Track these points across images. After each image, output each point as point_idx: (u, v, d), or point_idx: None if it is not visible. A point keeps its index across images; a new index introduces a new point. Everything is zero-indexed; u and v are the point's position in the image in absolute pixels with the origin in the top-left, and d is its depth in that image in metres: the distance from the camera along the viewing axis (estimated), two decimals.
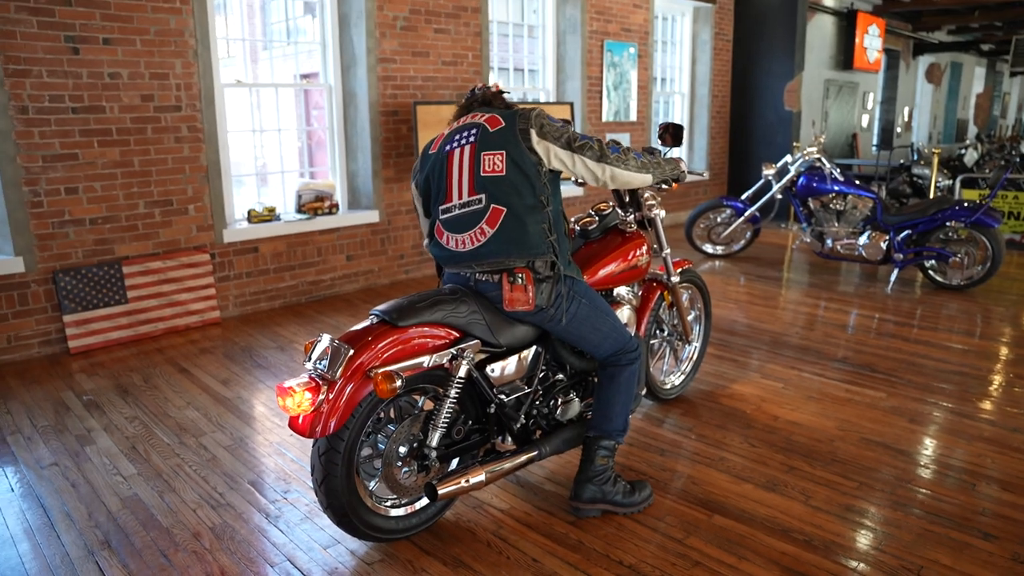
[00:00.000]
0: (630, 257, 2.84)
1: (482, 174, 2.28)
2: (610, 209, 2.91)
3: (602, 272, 2.75)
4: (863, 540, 2.38)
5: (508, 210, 2.25)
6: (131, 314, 4.51)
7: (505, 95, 2.53)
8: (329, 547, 2.38)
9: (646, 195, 2.95)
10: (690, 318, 3.63)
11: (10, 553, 2.37)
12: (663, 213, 3.07)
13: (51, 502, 2.68)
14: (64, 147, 4.19)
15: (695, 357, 3.62)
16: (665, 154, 2.83)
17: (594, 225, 2.87)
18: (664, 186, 2.81)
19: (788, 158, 6.44)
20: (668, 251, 3.16)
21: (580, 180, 2.43)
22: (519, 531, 2.45)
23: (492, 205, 2.27)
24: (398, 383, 2.04)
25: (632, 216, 2.96)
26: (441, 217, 2.38)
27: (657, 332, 3.41)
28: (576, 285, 2.42)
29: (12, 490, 2.78)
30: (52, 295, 4.27)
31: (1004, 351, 4.26)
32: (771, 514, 2.53)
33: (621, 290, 2.92)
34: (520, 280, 2.28)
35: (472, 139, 2.33)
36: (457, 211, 2.33)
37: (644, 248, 2.90)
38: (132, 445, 3.13)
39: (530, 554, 2.32)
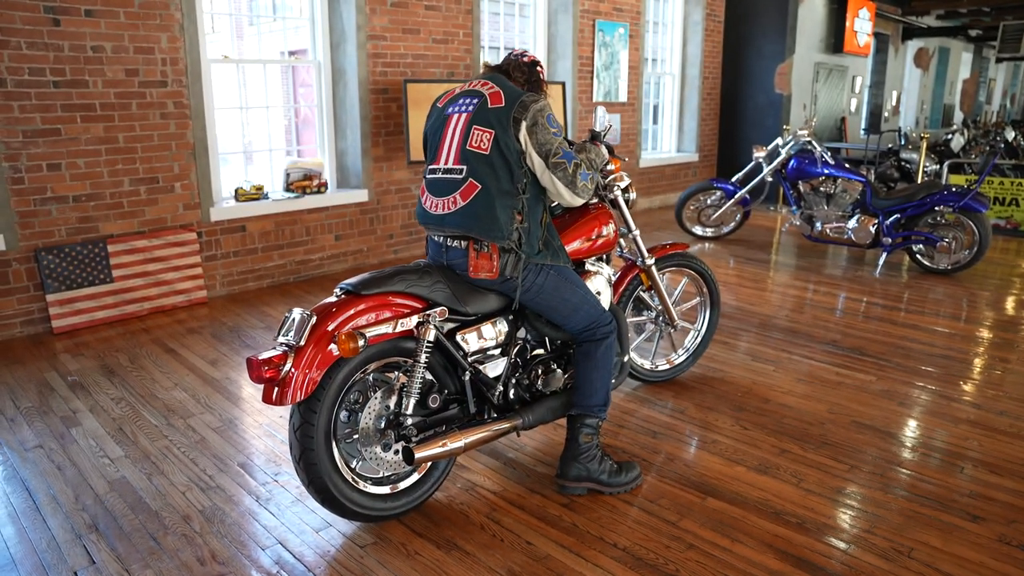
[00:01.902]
0: (593, 231, 2.81)
1: (468, 147, 2.33)
2: None
3: (568, 248, 2.73)
4: (855, 522, 2.40)
5: (483, 187, 2.30)
6: (116, 293, 4.43)
7: (539, 68, 2.54)
8: (321, 530, 2.37)
9: (612, 176, 2.92)
10: (693, 303, 3.60)
11: None
12: (633, 195, 3.03)
13: (36, 485, 2.63)
14: (45, 122, 4.09)
15: (696, 344, 3.59)
16: (603, 135, 2.85)
17: (555, 202, 2.85)
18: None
19: (779, 141, 6.43)
20: (636, 232, 3.11)
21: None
22: (512, 513, 2.45)
23: (470, 179, 2.32)
24: (361, 342, 2.10)
25: (600, 193, 2.94)
26: (427, 177, 2.48)
27: (645, 313, 3.40)
28: (545, 265, 2.43)
29: None
30: (34, 274, 4.18)
31: (989, 335, 4.30)
32: (764, 497, 2.54)
33: (594, 263, 2.89)
34: (486, 248, 2.33)
35: (470, 108, 2.37)
36: (440, 175, 2.41)
37: (610, 221, 2.87)
38: (119, 427, 3.09)
39: (524, 536, 2.32)
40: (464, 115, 2.37)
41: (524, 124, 2.29)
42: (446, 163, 2.38)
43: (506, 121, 2.29)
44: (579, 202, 2.45)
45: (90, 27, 4.15)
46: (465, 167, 2.33)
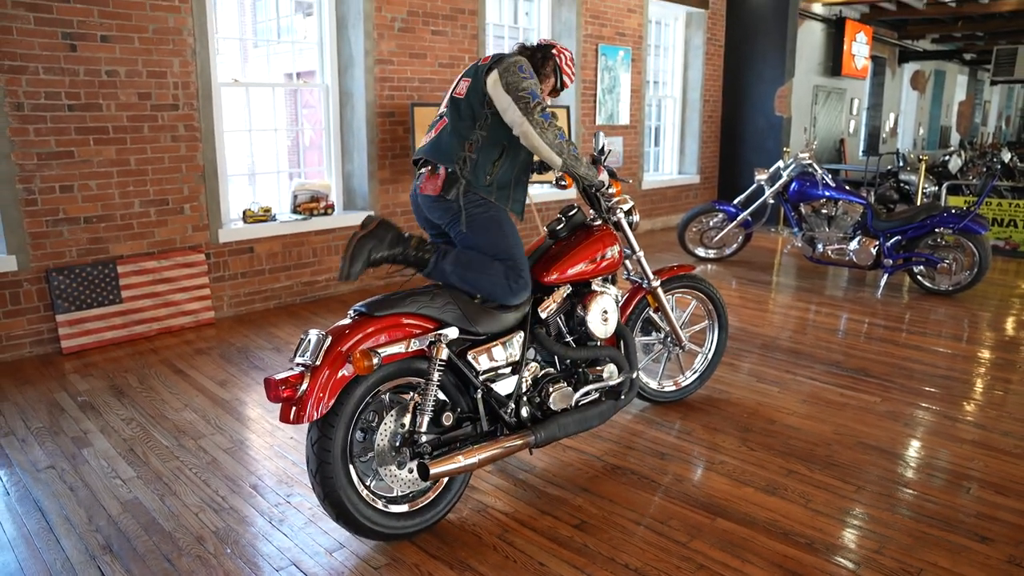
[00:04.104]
0: (598, 252, 2.87)
1: (454, 95, 2.68)
2: (576, 209, 2.97)
3: (571, 270, 2.79)
4: (863, 543, 2.42)
5: (448, 122, 2.62)
6: (125, 314, 4.47)
7: (555, 51, 2.81)
8: (334, 551, 2.38)
9: (616, 199, 3.02)
10: (702, 326, 3.64)
11: (8, 558, 2.35)
12: (636, 218, 3.09)
13: (49, 506, 2.65)
14: (60, 145, 4.15)
15: (704, 366, 3.62)
16: (604, 159, 3.03)
17: (561, 225, 2.93)
18: (592, 189, 2.95)
19: (780, 163, 6.50)
20: (640, 253, 3.17)
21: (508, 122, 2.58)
22: (524, 534, 2.47)
23: (443, 117, 2.66)
24: (375, 360, 2.16)
25: (604, 216, 3.02)
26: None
27: (653, 334, 3.44)
28: (488, 202, 2.59)
29: (8, 493, 2.74)
30: (45, 294, 4.22)
31: (991, 355, 4.33)
32: (772, 517, 2.56)
33: (601, 284, 2.94)
34: (438, 171, 2.59)
35: (466, 71, 2.74)
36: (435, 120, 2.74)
37: (614, 243, 2.94)
38: (130, 447, 3.11)
39: (536, 557, 2.34)
40: (462, 78, 2.71)
41: (497, 70, 2.55)
42: (440, 110, 2.73)
43: (483, 70, 2.61)
44: (532, 137, 2.51)
45: (105, 52, 4.23)
46: (446, 109, 2.67)
